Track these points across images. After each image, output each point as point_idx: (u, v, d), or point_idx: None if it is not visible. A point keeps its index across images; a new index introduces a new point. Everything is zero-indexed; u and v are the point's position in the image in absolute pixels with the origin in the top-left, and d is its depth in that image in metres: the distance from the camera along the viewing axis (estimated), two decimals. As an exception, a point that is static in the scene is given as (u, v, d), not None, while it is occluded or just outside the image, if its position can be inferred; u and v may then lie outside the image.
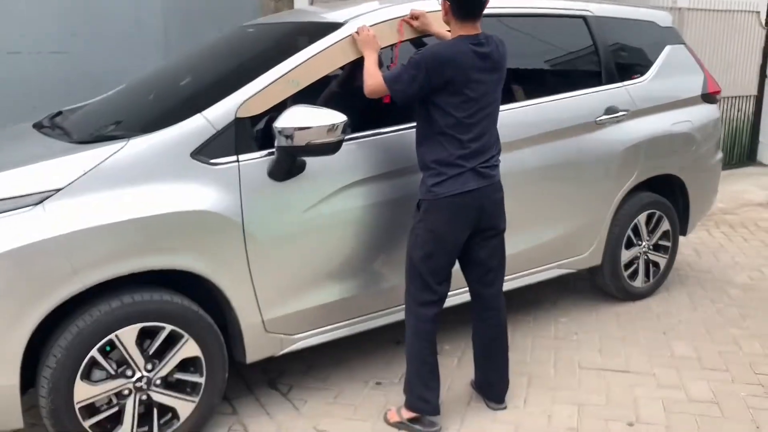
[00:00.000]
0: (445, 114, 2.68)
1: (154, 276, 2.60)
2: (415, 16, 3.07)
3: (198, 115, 2.65)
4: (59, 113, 3.63)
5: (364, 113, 2.98)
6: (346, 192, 2.91)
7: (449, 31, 2.81)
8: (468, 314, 3.03)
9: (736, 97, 8.25)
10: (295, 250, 2.83)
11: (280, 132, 2.61)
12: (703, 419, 2.93)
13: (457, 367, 3.40)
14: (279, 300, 2.84)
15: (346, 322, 3.07)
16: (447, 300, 2.93)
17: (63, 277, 2.34)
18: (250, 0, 5.27)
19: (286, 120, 2.61)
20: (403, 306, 2.95)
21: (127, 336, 2.51)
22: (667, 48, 4.21)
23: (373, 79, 2.74)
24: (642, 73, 4.05)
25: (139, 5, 4.84)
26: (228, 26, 5.09)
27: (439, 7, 2.81)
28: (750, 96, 8.48)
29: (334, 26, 3.01)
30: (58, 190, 2.38)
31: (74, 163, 2.45)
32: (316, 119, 2.62)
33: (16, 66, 4.57)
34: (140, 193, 2.49)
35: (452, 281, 2.89)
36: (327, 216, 2.87)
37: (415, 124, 2.92)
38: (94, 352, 2.46)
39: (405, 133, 3.02)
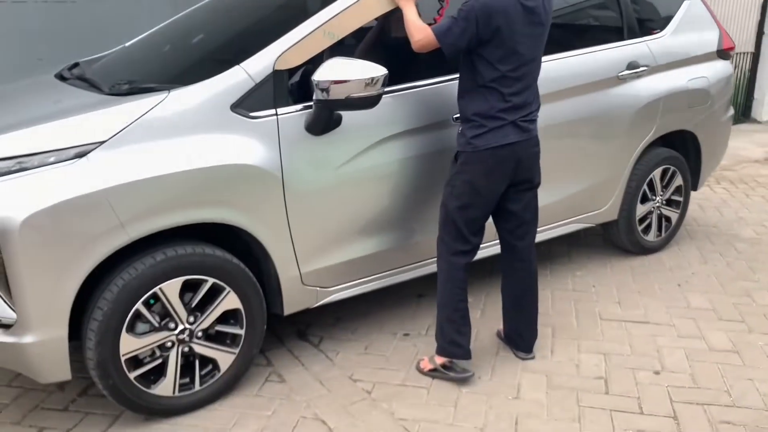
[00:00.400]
0: (490, 67, 2.67)
1: (191, 230, 2.60)
2: None
3: (237, 67, 2.61)
4: (76, 64, 3.56)
5: (399, 66, 2.94)
6: (381, 146, 2.91)
7: None
8: (486, 267, 3.08)
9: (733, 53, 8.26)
10: (332, 204, 2.84)
11: (317, 85, 2.58)
12: (725, 367, 3.04)
13: (481, 319, 3.47)
14: (315, 253, 2.86)
15: (379, 275, 3.11)
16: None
17: (111, 230, 2.33)
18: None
19: (325, 73, 2.58)
20: (433, 259, 3.00)
21: (171, 289, 2.53)
22: (686, 3, 4.20)
23: (421, 33, 2.70)
24: (661, 28, 4.05)
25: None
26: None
27: None
28: (747, 53, 8.52)
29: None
30: (102, 143, 2.35)
31: (117, 115, 2.42)
32: (356, 72, 2.59)
33: (22, 16, 4.43)
34: (183, 145, 2.47)
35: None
36: (363, 170, 2.87)
37: (449, 77, 2.93)
38: (139, 305, 2.47)
39: (439, 86, 3.02)
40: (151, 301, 2.52)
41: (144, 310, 2.49)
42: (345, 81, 2.57)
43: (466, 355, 2.91)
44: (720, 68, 4.32)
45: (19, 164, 2.27)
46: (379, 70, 2.61)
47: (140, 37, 3.76)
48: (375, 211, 2.97)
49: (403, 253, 3.14)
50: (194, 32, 3.40)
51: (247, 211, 2.63)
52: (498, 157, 2.75)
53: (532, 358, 3.11)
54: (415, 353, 3.15)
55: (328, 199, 2.82)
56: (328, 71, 2.58)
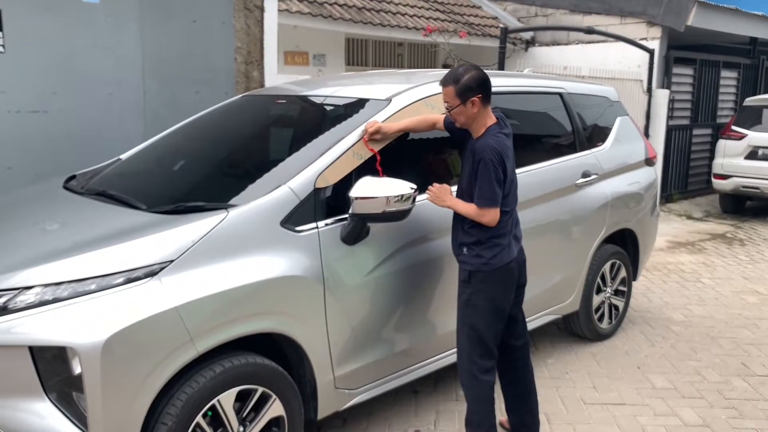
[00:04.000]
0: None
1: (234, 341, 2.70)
2: (373, 131, 3.09)
3: (284, 186, 2.83)
4: (74, 177, 3.63)
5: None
6: (402, 252, 3.17)
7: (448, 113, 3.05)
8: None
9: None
10: (363, 308, 3.05)
11: (355, 201, 2.84)
12: (703, 441, 3.44)
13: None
14: (347, 356, 3.03)
15: (399, 372, 3.29)
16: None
17: (181, 346, 2.42)
18: (224, 64, 5.40)
19: (362, 189, 2.85)
20: (449, 351, 3.21)
21: (227, 400, 2.60)
22: (619, 119, 4.89)
23: (487, 216, 2.92)
24: (603, 141, 4.67)
25: (120, 65, 4.82)
26: (204, 89, 5.24)
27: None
28: (636, 153, 9.62)
29: (380, 103, 3.30)
30: (171, 261, 2.47)
31: (183, 234, 2.54)
32: (390, 189, 2.86)
33: (-6, 125, 4.40)
34: (242, 260, 2.62)
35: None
36: (388, 274, 3.11)
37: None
38: (198, 418, 2.52)
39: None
40: (209, 413, 2.57)
41: (203, 423, 2.54)
42: (379, 197, 2.84)
43: None
44: (648, 174, 5.01)
45: (95, 285, 2.34)
46: (410, 187, 2.91)
47: (137, 150, 3.88)
48: (398, 311, 3.20)
49: (421, 349, 3.36)
50: (216, 148, 3.58)
51: (295, 319, 2.78)
52: (511, 271, 3.07)
53: (539, 446, 3.37)
54: (431, 448, 3.32)
55: (360, 303, 3.03)
56: (365, 188, 2.85)
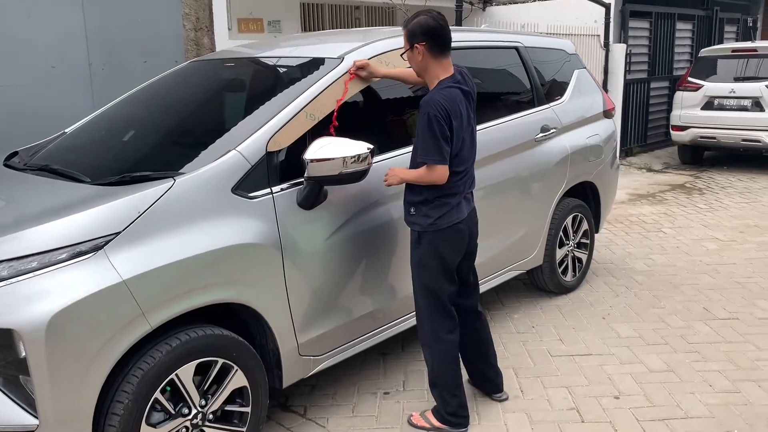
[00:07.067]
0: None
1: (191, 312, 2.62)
2: (360, 66, 3.13)
3: (233, 151, 2.72)
4: (16, 153, 3.47)
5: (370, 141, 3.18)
6: (361, 215, 3.10)
7: (410, 67, 3.00)
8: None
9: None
10: (323, 274, 2.98)
11: (309, 163, 2.75)
12: (668, 385, 3.48)
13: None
14: (310, 323, 2.97)
15: (366, 335, 3.25)
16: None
17: (132, 321, 2.33)
18: (172, 32, 5.20)
19: (317, 151, 2.76)
20: (414, 312, 3.16)
21: (186, 374, 2.53)
22: (576, 72, 4.85)
23: (432, 175, 2.80)
24: (561, 95, 4.63)
25: (62, 37, 4.61)
26: (152, 58, 5.05)
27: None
28: (596, 108, 9.64)
29: (333, 62, 3.20)
30: (117, 234, 2.36)
31: (127, 205, 2.43)
32: (346, 149, 2.78)
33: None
34: (192, 229, 2.52)
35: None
36: (348, 238, 3.04)
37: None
38: (157, 394, 2.45)
39: (400, 158, 3.27)
40: (167, 388, 2.50)
41: (162, 398, 2.47)
42: (334, 159, 2.76)
43: (467, 422, 3.10)
44: (607, 126, 4.99)
45: (36, 263, 2.22)
46: (365, 147, 2.83)
47: (82, 122, 3.71)
48: (360, 274, 3.14)
49: (386, 312, 3.31)
50: (163, 116, 3.44)
51: (253, 287, 2.70)
52: (459, 231, 2.98)
53: (506, 397, 3.37)
54: (400, 409, 3.30)
55: (320, 269, 2.96)
56: (319, 150, 2.76)
